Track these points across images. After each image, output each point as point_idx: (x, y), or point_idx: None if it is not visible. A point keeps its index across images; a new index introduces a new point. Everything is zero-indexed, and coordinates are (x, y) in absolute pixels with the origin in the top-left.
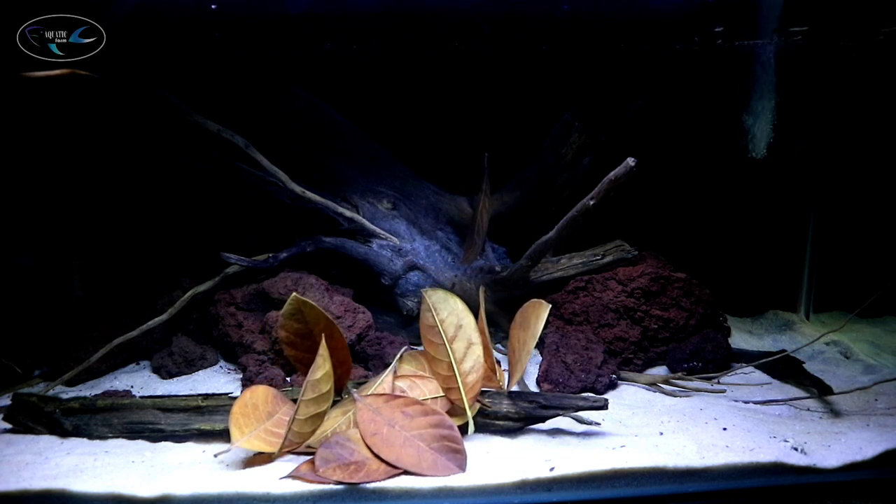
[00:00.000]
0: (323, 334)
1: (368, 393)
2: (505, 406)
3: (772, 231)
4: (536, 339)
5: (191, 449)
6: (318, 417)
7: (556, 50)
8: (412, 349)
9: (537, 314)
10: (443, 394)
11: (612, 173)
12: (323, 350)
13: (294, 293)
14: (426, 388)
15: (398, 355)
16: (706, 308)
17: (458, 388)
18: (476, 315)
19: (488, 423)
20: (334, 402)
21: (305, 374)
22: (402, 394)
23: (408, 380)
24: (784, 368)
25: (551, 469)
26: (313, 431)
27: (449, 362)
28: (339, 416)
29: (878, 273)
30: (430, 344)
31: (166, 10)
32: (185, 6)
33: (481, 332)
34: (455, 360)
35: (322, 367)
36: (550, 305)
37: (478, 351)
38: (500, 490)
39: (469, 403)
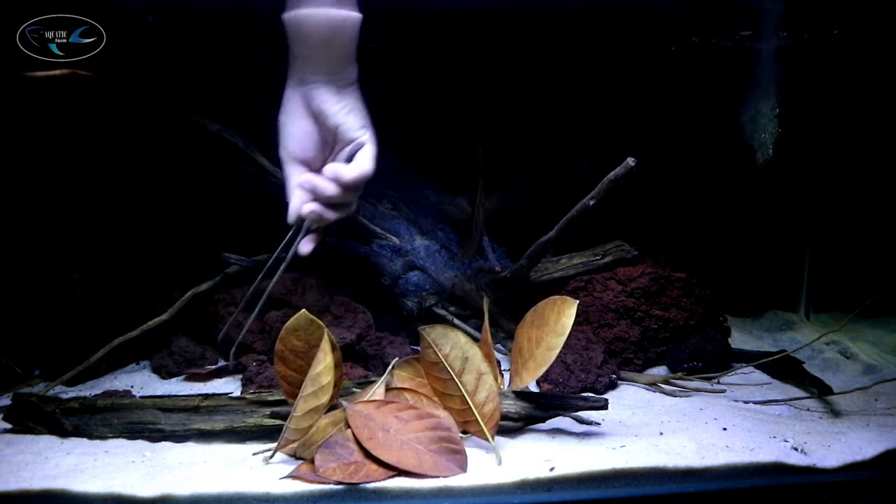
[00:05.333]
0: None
1: (358, 400)
2: (505, 406)
3: (772, 231)
4: (564, 337)
5: (191, 449)
6: (317, 411)
7: (555, 48)
8: (413, 349)
9: (559, 311)
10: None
11: (612, 173)
12: (325, 344)
13: (304, 310)
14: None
15: (389, 367)
16: (706, 308)
17: (476, 420)
18: (480, 317)
19: None
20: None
21: (290, 393)
22: (393, 399)
23: (412, 394)
24: (784, 368)
25: (551, 469)
26: (310, 427)
27: (461, 396)
28: (329, 427)
29: (878, 273)
30: (436, 380)
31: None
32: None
33: (485, 343)
34: (467, 393)
35: (323, 360)
36: (576, 301)
37: (489, 381)
38: (500, 490)
39: (491, 434)
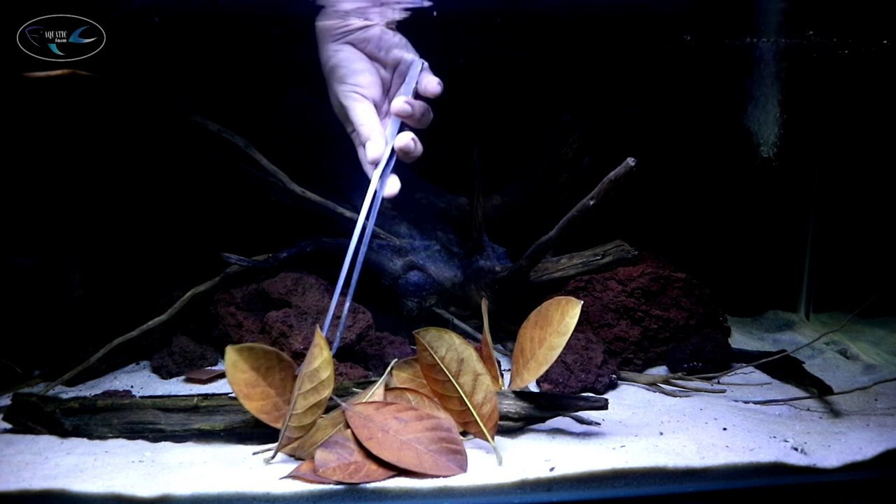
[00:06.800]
0: (318, 340)
1: (357, 402)
2: (505, 406)
3: (772, 231)
4: (567, 337)
5: (191, 449)
6: (319, 406)
7: (556, 48)
8: (413, 349)
9: (563, 311)
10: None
11: (612, 173)
12: (319, 339)
13: (229, 346)
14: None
15: (388, 369)
16: (706, 308)
17: (475, 421)
18: (480, 317)
19: None
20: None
21: (272, 420)
22: (392, 400)
23: (414, 395)
24: (784, 368)
25: (551, 469)
26: (312, 423)
27: (459, 397)
28: (329, 428)
29: (878, 273)
30: (435, 382)
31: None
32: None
33: (485, 344)
34: (465, 395)
35: (319, 355)
36: (581, 302)
37: (486, 381)
38: (500, 490)
39: (490, 435)
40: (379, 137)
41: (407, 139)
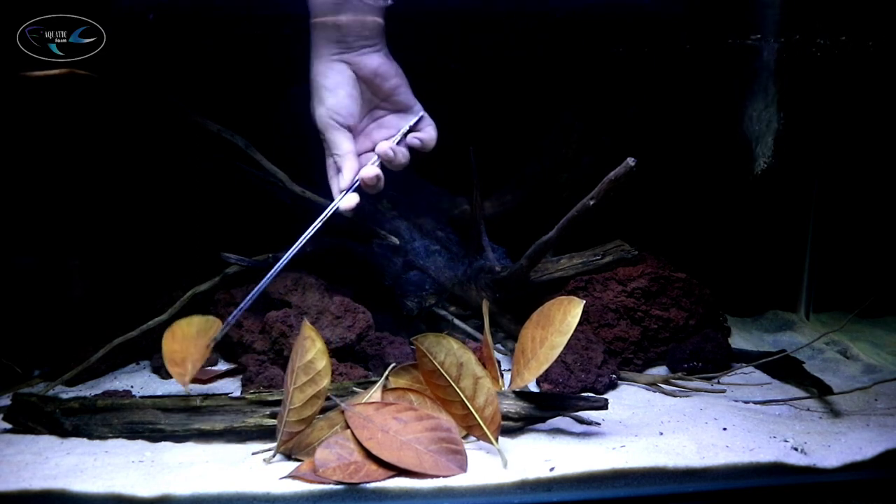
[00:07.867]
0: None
1: (356, 402)
2: (505, 406)
3: (772, 231)
4: (568, 336)
5: (191, 449)
6: (318, 398)
7: (557, 48)
8: (413, 350)
9: (565, 311)
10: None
11: (612, 173)
12: (311, 332)
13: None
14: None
15: (385, 373)
16: (706, 308)
17: (478, 424)
18: (480, 317)
19: None
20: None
21: (178, 374)
22: (392, 401)
23: (416, 395)
24: (784, 368)
25: (551, 469)
26: (314, 415)
27: (461, 401)
28: (327, 429)
29: (878, 273)
30: (436, 388)
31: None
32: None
33: (486, 345)
34: (466, 398)
35: (312, 347)
36: (583, 301)
37: (486, 384)
38: (500, 490)
39: (494, 437)
40: (351, 168)
41: (373, 173)
